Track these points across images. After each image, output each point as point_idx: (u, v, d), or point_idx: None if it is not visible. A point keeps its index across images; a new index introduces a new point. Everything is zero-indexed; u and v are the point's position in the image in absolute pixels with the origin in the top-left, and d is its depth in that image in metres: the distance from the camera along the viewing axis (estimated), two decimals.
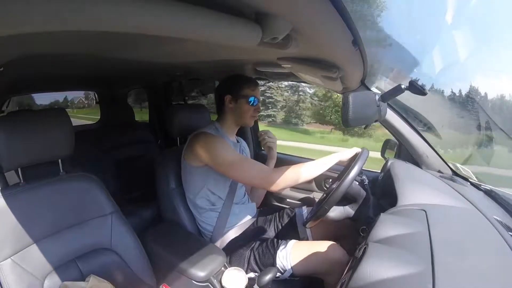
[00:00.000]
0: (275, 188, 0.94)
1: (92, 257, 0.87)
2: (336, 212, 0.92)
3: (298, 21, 0.46)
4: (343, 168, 0.98)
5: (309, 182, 1.48)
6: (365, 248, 0.53)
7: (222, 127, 1.14)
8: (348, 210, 0.96)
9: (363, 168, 0.88)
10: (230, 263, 1.04)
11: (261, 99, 1.19)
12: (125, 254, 0.93)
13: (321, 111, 13.32)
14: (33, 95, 2.06)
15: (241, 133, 1.52)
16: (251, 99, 1.10)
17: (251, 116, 1.12)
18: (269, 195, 1.55)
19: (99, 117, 2.22)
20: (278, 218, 1.23)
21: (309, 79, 1.06)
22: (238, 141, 1.23)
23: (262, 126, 1.95)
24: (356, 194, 0.93)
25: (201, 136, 1.04)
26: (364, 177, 0.99)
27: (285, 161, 1.58)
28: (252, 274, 1.01)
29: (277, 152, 1.30)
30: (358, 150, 0.95)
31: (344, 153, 0.97)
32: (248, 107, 1.10)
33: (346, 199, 0.96)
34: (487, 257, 0.53)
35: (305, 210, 1.21)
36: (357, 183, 0.94)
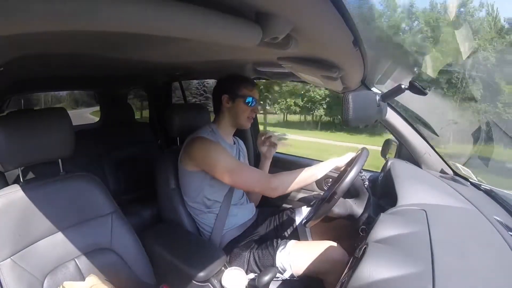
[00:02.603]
0: (273, 194, 0.96)
1: (92, 257, 0.87)
2: (340, 207, 0.92)
3: (299, 21, 0.46)
4: (343, 169, 0.98)
5: None
6: (365, 248, 0.53)
7: (219, 128, 1.13)
8: (351, 207, 0.96)
9: (363, 168, 0.88)
10: (230, 264, 1.04)
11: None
12: (125, 254, 0.93)
13: None
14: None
15: (240, 133, 1.51)
16: (249, 99, 1.09)
17: (248, 117, 1.11)
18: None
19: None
20: (278, 218, 1.23)
21: (309, 79, 1.06)
22: (235, 142, 1.22)
23: None
24: (359, 188, 0.93)
25: (197, 141, 1.04)
26: (364, 176, 0.99)
27: (281, 161, 1.58)
28: (252, 275, 1.01)
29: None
30: (353, 154, 0.96)
31: (341, 159, 0.98)
32: (245, 107, 1.09)
33: (349, 193, 0.96)
34: (487, 257, 0.53)
35: (305, 210, 1.21)
36: (362, 181, 0.95)
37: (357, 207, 0.96)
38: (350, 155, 0.98)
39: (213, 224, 1.11)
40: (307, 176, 0.95)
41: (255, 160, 1.69)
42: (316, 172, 0.96)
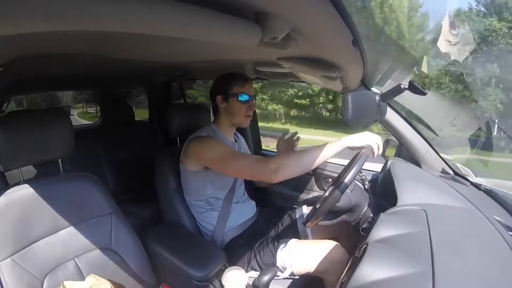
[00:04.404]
0: (275, 178, 0.87)
1: (92, 256, 0.88)
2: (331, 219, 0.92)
3: (298, 21, 0.46)
4: (343, 169, 0.98)
5: (310, 179, 1.48)
6: (365, 247, 0.53)
7: (219, 128, 1.13)
8: (344, 217, 0.96)
9: (362, 168, 0.88)
10: (231, 262, 1.04)
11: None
12: (125, 254, 0.93)
13: None
14: None
15: (241, 132, 1.51)
16: (242, 96, 1.06)
17: (245, 115, 1.09)
18: (269, 194, 1.56)
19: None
20: (279, 217, 1.23)
21: (309, 78, 1.06)
22: (236, 140, 1.22)
23: None
24: (345, 208, 0.92)
25: (195, 140, 1.04)
26: (364, 176, 0.99)
27: None
28: (253, 273, 1.01)
29: None
30: (370, 137, 0.87)
31: (354, 140, 0.88)
32: (239, 105, 1.07)
33: (338, 212, 0.95)
34: (487, 257, 0.53)
35: (305, 209, 1.21)
36: (349, 192, 0.92)
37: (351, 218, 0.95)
38: (366, 139, 0.87)
39: (215, 222, 1.11)
40: (313, 158, 0.87)
41: None
42: (322, 153, 0.87)
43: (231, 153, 0.97)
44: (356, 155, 0.91)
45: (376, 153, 0.87)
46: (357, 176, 0.85)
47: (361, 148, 0.88)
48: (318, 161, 0.88)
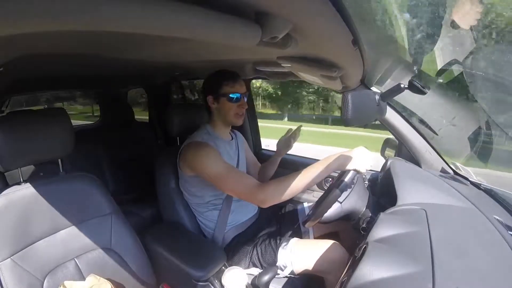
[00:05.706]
0: (262, 206, 0.89)
1: (92, 256, 0.88)
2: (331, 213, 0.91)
3: (298, 21, 0.46)
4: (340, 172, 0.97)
5: None
6: (365, 247, 0.53)
7: (214, 129, 1.12)
8: (346, 209, 0.95)
9: None
10: (232, 260, 1.05)
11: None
12: (125, 254, 0.93)
13: None
14: None
15: (241, 132, 1.51)
16: (232, 96, 1.05)
17: (236, 114, 1.07)
18: None
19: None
20: (280, 216, 1.24)
21: (308, 78, 1.06)
22: (233, 138, 1.21)
23: None
24: (335, 219, 0.91)
25: (192, 146, 1.03)
26: (364, 176, 0.99)
27: (285, 162, 1.57)
28: (254, 269, 1.02)
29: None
30: (361, 150, 0.84)
31: (345, 159, 0.83)
32: (230, 105, 1.06)
33: (327, 222, 0.95)
34: (487, 257, 0.53)
35: (306, 207, 1.21)
36: (340, 203, 0.90)
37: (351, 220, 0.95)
38: (359, 152, 0.83)
39: (216, 221, 1.11)
40: (303, 182, 0.85)
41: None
42: (314, 174, 0.85)
43: (224, 172, 0.95)
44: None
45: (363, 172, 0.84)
46: (356, 176, 0.85)
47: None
48: (311, 183, 0.86)
